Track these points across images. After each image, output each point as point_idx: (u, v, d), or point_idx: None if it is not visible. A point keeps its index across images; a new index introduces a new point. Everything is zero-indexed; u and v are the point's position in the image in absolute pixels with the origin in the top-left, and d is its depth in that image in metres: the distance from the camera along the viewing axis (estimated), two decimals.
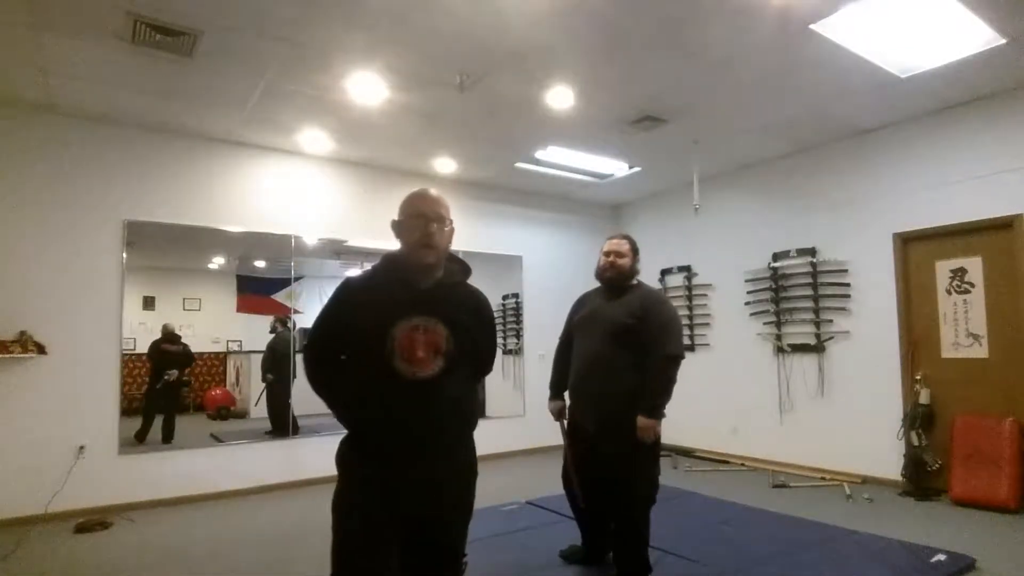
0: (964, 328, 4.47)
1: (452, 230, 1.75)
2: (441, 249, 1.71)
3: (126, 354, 4.57)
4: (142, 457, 4.58)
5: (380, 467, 1.60)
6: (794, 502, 4.34)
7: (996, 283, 4.32)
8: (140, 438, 4.81)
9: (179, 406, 5.23)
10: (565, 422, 3.03)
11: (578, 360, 2.87)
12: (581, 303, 3.05)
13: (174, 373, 5.18)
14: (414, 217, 1.67)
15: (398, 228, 1.73)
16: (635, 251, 2.91)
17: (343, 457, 1.68)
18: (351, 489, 1.64)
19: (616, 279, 2.86)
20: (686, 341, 6.38)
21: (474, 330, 1.76)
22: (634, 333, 2.69)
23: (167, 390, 5.12)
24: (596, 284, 3.03)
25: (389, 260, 1.75)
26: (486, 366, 1.92)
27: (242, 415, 5.98)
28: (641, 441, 2.63)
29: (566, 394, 3.03)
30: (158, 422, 5.00)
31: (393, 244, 1.78)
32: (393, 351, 1.58)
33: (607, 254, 2.88)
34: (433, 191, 1.75)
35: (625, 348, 2.70)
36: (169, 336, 5.12)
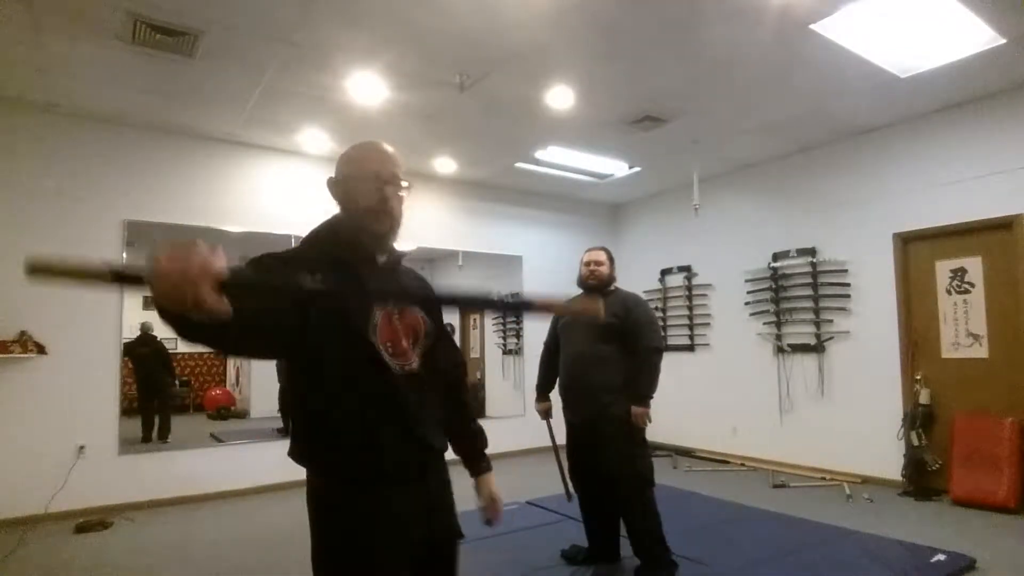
0: (964, 328, 4.47)
1: (407, 192, 1.41)
2: (399, 217, 1.38)
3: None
4: (142, 457, 4.58)
5: (388, 495, 1.28)
6: (794, 502, 4.33)
7: (996, 283, 4.32)
8: (145, 438, 4.83)
9: (169, 406, 5.21)
10: (551, 421, 3.28)
11: (567, 360, 3.10)
12: None
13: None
14: (366, 179, 1.34)
15: (342, 189, 1.38)
16: (611, 260, 3.18)
17: (329, 498, 1.28)
18: (354, 541, 1.25)
19: (598, 285, 3.11)
20: (686, 341, 6.40)
21: (438, 313, 1.49)
22: (616, 331, 2.94)
23: (158, 391, 5.13)
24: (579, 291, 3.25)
25: (333, 231, 1.38)
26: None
27: (242, 415, 5.99)
28: (634, 426, 2.89)
29: (551, 395, 3.29)
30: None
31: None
32: (380, 342, 1.28)
33: (587, 264, 3.14)
34: (387, 145, 1.41)
35: (609, 344, 2.96)
36: (142, 339, 5.06)
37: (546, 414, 3.28)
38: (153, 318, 5.18)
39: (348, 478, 1.27)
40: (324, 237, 1.37)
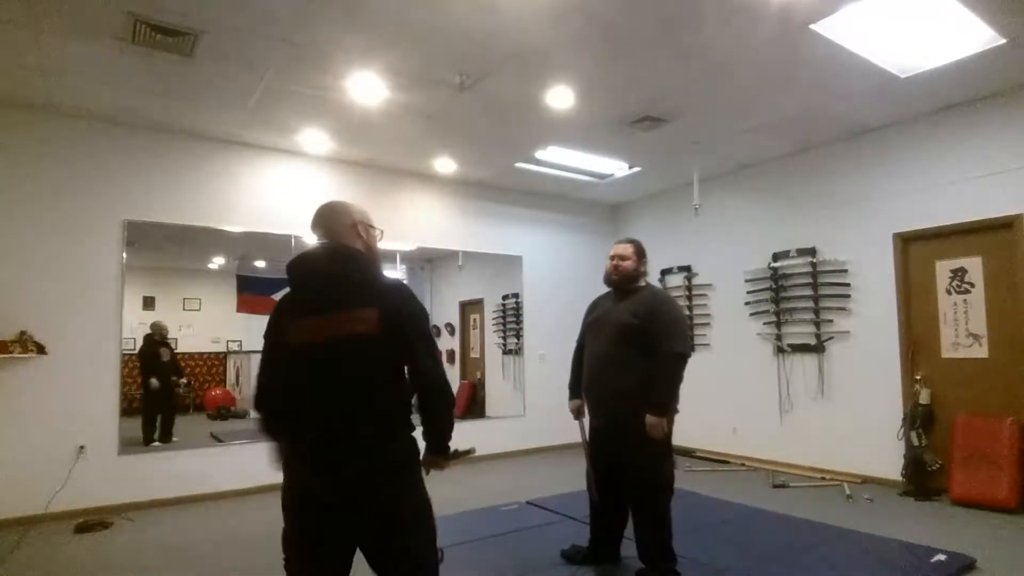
0: (964, 328, 4.47)
1: None
2: None
3: (126, 354, 4.57)
4: (142, 457, 4.58)
5: None
6: (794, 502, 4.34)
7: (996, 283, 4.32)
8: (146, 440, 4.87)
9: (175, 407, 5.27)
10: (585, 420, 3.10)
11: (589, 361, 2.98)
12: (593, 307, 3.14)
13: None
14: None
15: (371, 236, 1.85)
16: (640, 253, 2.96)
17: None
18: None
19: (621, 281, 2.93)
20: None
21: None
22: (639, 333, 2.75)
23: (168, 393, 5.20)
24: (603, 287, 3.12)
25: None
26: None
27: (242, 415, 5.99)
28: (650, 437, 2.69)
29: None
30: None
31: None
32: None
33: (611, 258, 2.96)
34: None
35: (631, 347, 2.77)
36: (150, 339, 5.19)
37: (578, 413, 3.11)
38: (164, 319, 5.28)
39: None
40: None
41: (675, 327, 2.77)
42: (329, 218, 1.78)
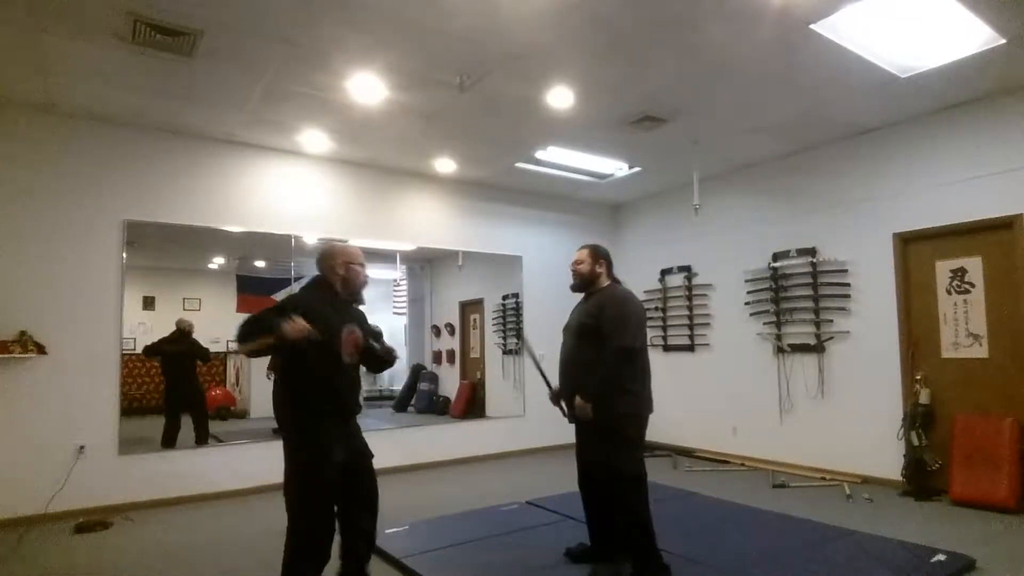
0: (964, 328, 4.47)
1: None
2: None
3: (126, 354, 4.57)
4: (142, 457, 4.57)
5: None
6: (794, 502, 4.34)
7: (996, 283, 4.32)
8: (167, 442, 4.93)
9: (204, 408, 5.35)
10: (564, 404, 3.12)
11: (560, 362, 3.12)
12: (571, 312, 3.27)
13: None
14: None
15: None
16: (595, 255, 3.09)
17: None
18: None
19: (579, 285, 3.10)
20: (686, 341, 6.40)
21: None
22: (594, 331, 2.88)
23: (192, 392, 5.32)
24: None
25: None
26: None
27: (242, 415, 5.99)
28: (615, 428, 2.79)
29: None
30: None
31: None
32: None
33: (571, 265, 3.12)
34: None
35: (588, 346, 2.89)
36: (173, 336, 5.21)
37: (555, 399, 3.11)
38: (164, 319, 5.30)
39: None
40: None
41: (620, 323, 2.85)
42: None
